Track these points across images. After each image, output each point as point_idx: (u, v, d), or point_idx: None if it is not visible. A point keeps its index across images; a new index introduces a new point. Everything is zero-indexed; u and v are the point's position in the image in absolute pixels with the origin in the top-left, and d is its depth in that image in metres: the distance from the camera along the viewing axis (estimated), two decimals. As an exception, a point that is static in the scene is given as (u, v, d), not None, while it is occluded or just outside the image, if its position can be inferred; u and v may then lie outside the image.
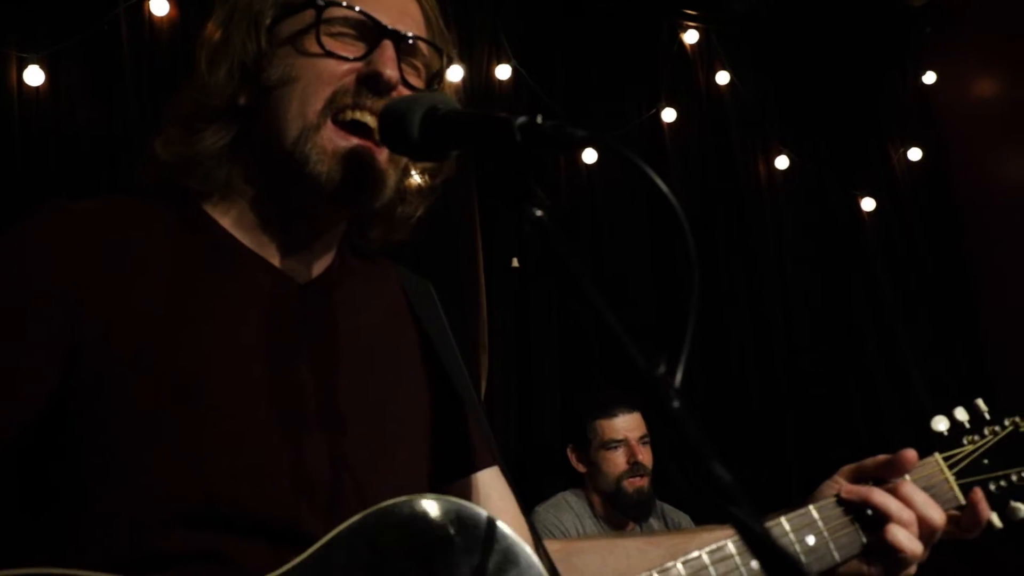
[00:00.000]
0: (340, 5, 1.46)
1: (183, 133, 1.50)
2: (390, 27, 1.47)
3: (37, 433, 1.31)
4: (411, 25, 1.51)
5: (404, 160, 1.52)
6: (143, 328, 1.34)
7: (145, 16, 4.43)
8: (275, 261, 1.52)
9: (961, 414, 1.82)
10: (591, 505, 4.37)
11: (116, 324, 1.33)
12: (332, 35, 1.46)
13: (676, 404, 0.97)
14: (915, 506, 1.60)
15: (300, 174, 1.43)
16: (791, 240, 5.91)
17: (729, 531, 1.51)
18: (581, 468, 4.41)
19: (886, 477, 1.65)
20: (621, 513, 4.29)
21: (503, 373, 4.87)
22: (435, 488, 1.51)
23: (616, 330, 1.04)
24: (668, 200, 1.11)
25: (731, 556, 1.47)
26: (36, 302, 1.32)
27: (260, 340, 1.42)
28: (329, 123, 1.43)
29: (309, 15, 1.45)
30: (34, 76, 4.22)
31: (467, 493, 1.67)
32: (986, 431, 1.82)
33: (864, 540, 1.60)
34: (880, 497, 1.60)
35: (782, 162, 5.92)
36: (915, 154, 6.17)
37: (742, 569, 1.47)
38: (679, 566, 1.46)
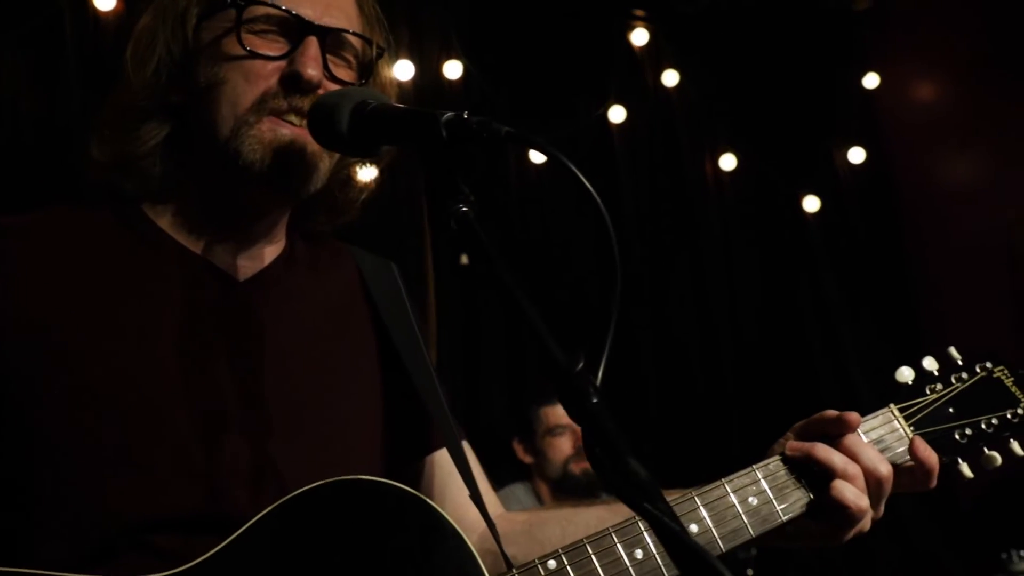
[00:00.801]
0: (262, 3, 1.45)
1: (116, 133, 1.51)
2: (315, 22, 1.46)
3: None
4: (339, 18, 1.50)
5: None
6: (57, 340, 1.37)
7: (90, 11, 4.37)
8: (215, 258, 1.53)
9: (929, 363, 1.74)
10: (539, 496, 4.40)
11: (30, 337, 1.37)
12: (256, 33, 1.46)
13: (595, 400, 0.99)
14: (860, 459, 1.52)
15: (234, 166, 1.44)
16: (737, 238, 6.00)
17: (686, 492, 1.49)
18: (527, 459, 4.45)
19: (836, 433, 1.57)
20: (571, 499, 4.33)
21: (451, 368, 4.88)
22: (392, 471, 1.52)
23: (536, 325, 1.05)
24: (593, 198, 1.12)
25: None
26: None
27: (188, 339, 1.44)
28: (266, 117, 1.44)
29: (232, 14, 1.45)
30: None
31: (424, 475, 1.68)
32: (953, 379, 1.73)
33: (810, 498, 1.54)
34: (823, 452, 1.53)
35: (728, 162, 5.99)
36: (858, 155, 6.28)
37: None
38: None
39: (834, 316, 6.03)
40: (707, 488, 1.51)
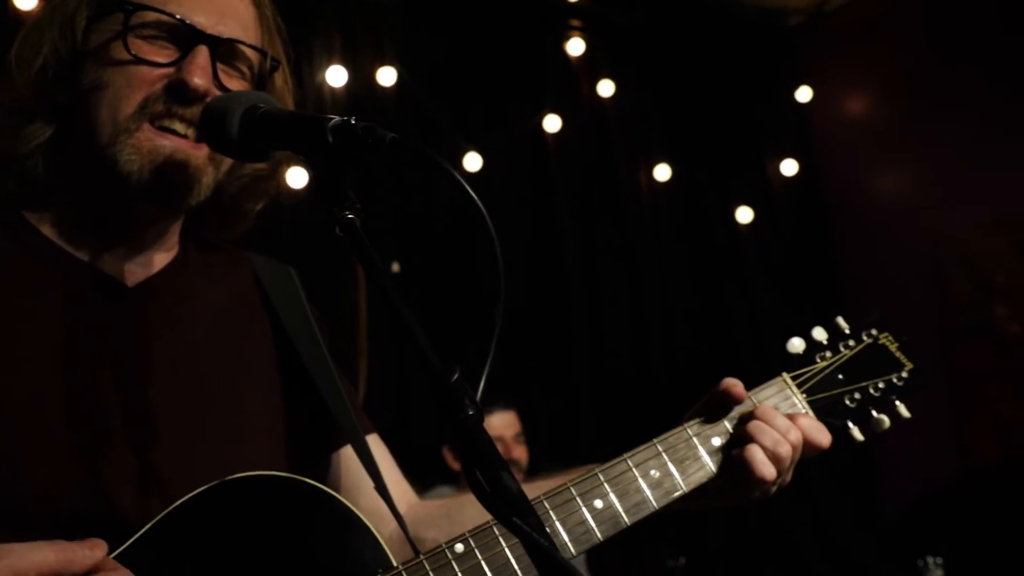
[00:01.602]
0: (151, 8, 1.42)
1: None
2: (206, 31, 1.43)
3: None
4: (233, 28, 1.47)
5: (228, 159, 1.49)
6: None
7: (10, 12, 4.25)
8: (103, 264, 1.49)
9: (819, 333, 1.78)
10: (466, 502, 4.40)
11: None
12: (144, 38, 1.43)
13: (470, 412, 0.98)
14: (775, 425, 1.55)
15: (111, 174, 1.40)
16: (671, 248, 6.05)
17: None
18: (456, 466, 4.45)
19: (730, 403, 1.61)
20: None
21: (382, 376, 4.85)
22: (296, 469, 1.50)
23: (415, 334, 1.04)
24: (477, 205, 1.11)
25: (573, 498, 1.47)
26: None
27: (71, 349, 1.40)
28: (146, 125, 1.41)
29: (121, 18, 1.42)
30: None
31: (333, 471, 1.69)
32: (841, 347, 1.77)
33: (712, 470, 1.57)
34: (731, 421, 1.59)
35: (663, 172, 6.04)
36: (790, 167, 6.38)
37: (583, 511, 1.46)
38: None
39: (764, 323, 6.12)
40: (610, 464, 1.54)
